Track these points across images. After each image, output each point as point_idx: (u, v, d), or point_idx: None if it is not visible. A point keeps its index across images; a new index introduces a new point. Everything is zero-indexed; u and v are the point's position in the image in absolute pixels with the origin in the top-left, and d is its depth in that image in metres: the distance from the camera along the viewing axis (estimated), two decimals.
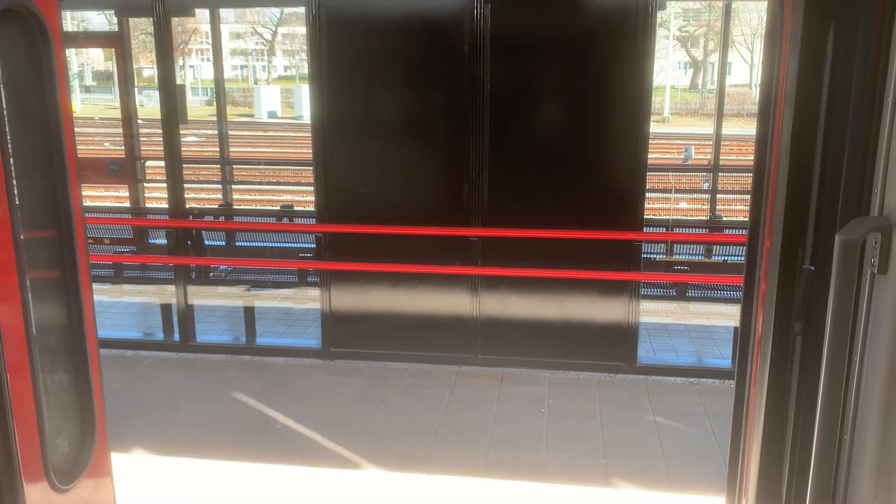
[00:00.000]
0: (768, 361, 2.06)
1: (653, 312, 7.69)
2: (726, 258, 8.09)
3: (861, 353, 1.62)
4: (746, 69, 48.49)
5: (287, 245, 8.54)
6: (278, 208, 11.51)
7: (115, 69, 8.84)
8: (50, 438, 2.27)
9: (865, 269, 1.59)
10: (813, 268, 1.97)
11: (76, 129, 2.47)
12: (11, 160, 2.06)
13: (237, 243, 8.77)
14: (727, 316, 7.65)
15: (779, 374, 2.07)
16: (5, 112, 2.07)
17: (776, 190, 2.02)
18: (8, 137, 2.06)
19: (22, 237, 2.08)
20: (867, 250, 1.57)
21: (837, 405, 1.56)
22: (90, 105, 38.43)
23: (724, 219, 10.31)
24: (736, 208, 13.60)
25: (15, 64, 2.23)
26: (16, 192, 2.09)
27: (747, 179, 13.41)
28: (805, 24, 1.90)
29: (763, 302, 2.10)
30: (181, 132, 7.17)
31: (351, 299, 6.60)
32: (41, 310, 2.29)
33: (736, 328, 6.89)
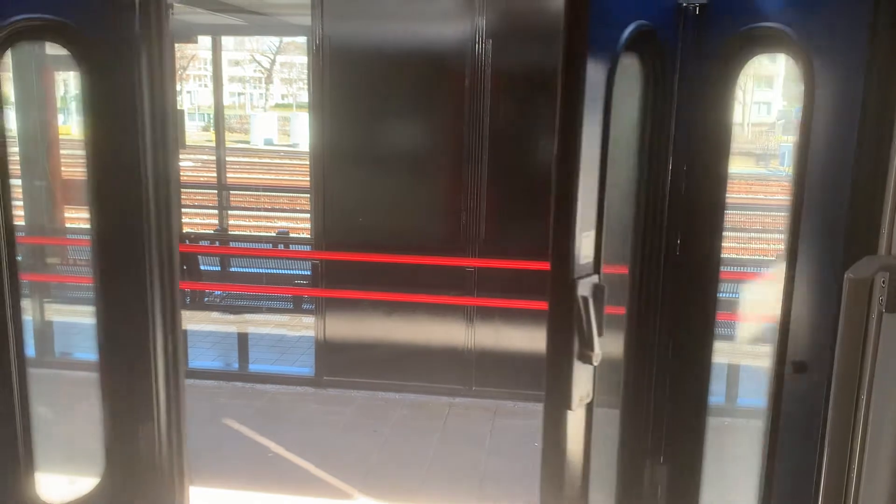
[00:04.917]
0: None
1: None
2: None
3: (868, 390, 1.63)
4: (739, 109, 49.17)
5: (282, 272, 8.52)
6: (274, 234, 11.53)
7: None
8: None
9: (873, 308, 1.60)
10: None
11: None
12: None
13: (232, 269, 8.76)
14: (720, 353, 7.63)
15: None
16: None
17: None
18: None
19: None
20: (875, 289, 1.59)
21: (845, 442, 1.57)
22: None
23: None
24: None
25: None
26: None
27: (736, 217, 13.50)
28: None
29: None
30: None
31: (345, 327, 6.57)
32: None
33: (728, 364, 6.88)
